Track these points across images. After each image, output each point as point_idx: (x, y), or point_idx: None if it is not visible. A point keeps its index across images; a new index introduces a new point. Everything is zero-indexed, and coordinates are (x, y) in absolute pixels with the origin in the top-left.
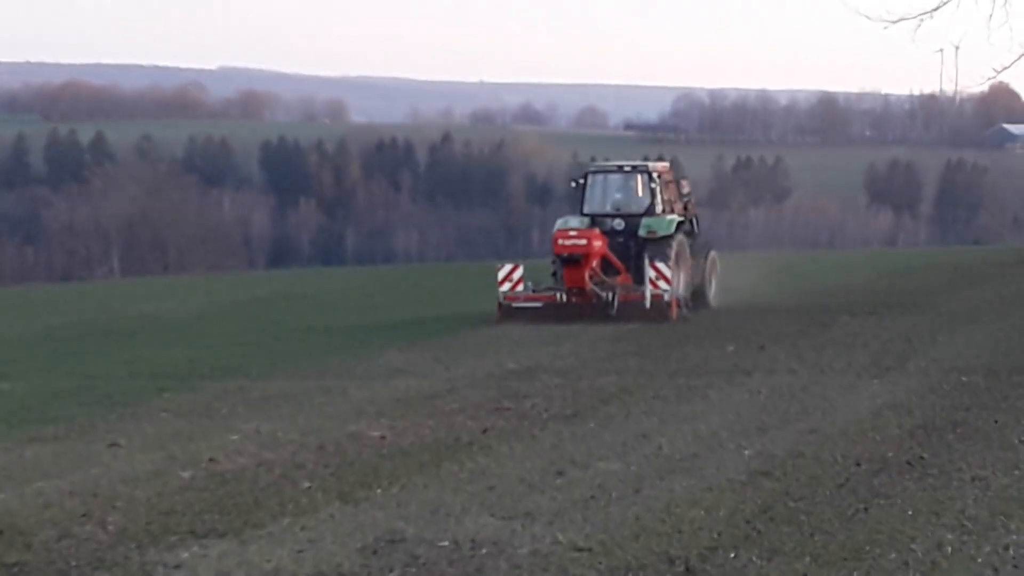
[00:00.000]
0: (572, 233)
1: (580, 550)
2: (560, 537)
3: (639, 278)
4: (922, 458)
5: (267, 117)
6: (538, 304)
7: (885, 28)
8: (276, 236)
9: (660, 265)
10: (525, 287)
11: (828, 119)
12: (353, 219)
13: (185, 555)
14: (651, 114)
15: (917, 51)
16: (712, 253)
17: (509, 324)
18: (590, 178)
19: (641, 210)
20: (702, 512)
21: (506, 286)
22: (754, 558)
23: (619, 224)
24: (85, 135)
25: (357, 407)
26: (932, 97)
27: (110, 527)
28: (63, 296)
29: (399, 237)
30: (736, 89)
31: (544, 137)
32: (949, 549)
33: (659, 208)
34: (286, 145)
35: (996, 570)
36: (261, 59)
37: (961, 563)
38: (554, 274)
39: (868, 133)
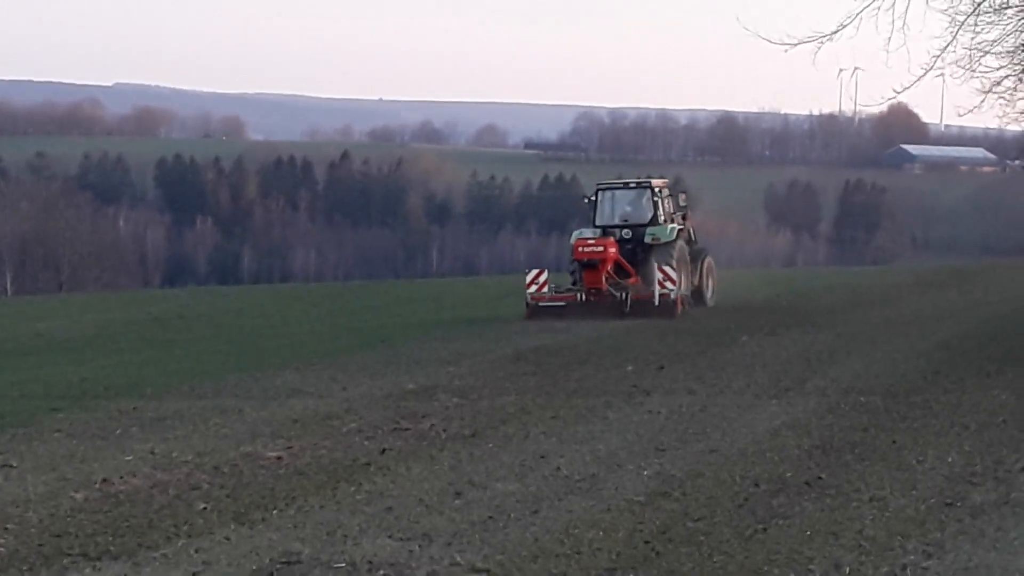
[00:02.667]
0: (590, 241)
1: (478, 571)
2: (458, 558)
3: (647, 280)
4: (820, 479)
5: (163, 134)
6: (562, 303)
7: (786, 51)
8: (172, 254)
9: (667, 268)
10: (549, 289)
11: (728, 138)
12: (250, 237)
13: None
14: (551, 133)
15: (817, 71)
16: (708, 259)
17: (417, 342)
18: (600, 194)
19: (645, 220)
20: (600, 533)
21: (533, 288)
22: None
23: (627, 233)
24: None
25: (253, 427)
26: (832, 117)
27: (1, 549)
28: None
29: (297, 256)
30: (636, 108)
31: (443, 155)
32: (847, 569)
33: (661, 218)
34: (182, 162)
35: None
36: (157, 76)
37: None
38: (572, 278)
39: (768, 153)
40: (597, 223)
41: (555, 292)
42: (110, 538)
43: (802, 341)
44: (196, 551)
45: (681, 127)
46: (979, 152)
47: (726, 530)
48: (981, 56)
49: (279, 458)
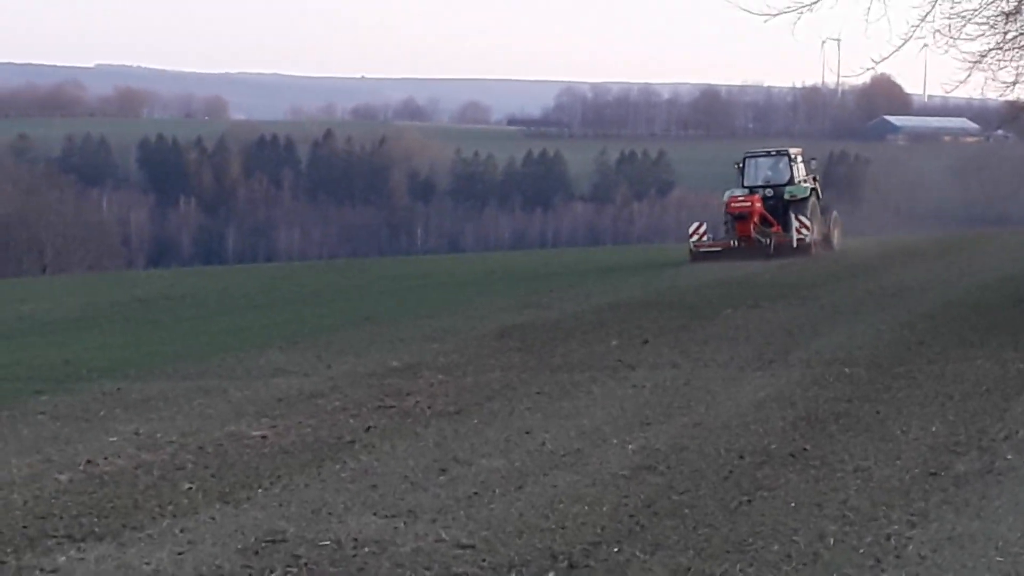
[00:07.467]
0: (740, 198)
1: (463, 547)
2: (443, 535)
3: (787, 228)
4: (805, 450)
5: (145, 115)
6: (718, 249)
7: (766, 21)
8: (156, 235)
9: (803, 218)
10: (708, 238)
11: (711, 112)
12: (234, 217)
13: (62, 559)
14: (534, 109)
15: (800, 43)
16: (835, 212)
17: (402, 320)
18: (747, 161)
19: (784, 181)
20: (585, 507)
21: (695, 237)
22: (637, 552)
23: (769, 192)
24: None
25: (237, 407)
26: (815, 89)
27: None
28: None
29: (281, 235)
30: (619, 83)
31: (427, 132)
32: (831, 540)
33: (797, 179)
34: (165, 143)
35: (878, 560)
36: (139, 56)
37: (843, 554)
38: (725, 228)
39: (751, 126)
40: (745, 184)
41: (713, 240)
42: (95, 519)
43: (785, 313)
44: (181, 531)
45: (664, 101)
46: (962, 122)
47: (711, 502)
48: (963, 25)
49: (263, 437)
